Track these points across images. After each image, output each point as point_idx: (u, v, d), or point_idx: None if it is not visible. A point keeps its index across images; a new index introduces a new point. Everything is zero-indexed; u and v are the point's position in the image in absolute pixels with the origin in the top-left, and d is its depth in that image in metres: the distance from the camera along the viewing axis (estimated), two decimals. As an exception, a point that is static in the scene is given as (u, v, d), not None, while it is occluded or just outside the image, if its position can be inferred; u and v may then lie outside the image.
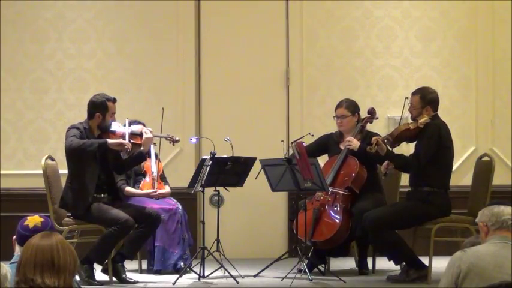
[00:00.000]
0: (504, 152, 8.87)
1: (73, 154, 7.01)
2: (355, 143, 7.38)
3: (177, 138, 7.45)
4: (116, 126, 7.16)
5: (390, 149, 7.10)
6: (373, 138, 7.02)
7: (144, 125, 7.80)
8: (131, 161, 7.31)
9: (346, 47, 8.97)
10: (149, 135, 7.17)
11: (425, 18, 8.97)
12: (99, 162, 7.06)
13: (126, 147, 7.01)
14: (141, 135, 7.17)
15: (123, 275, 7.08)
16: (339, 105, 7.60)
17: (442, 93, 8.74)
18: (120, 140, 7.04)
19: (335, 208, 7.33)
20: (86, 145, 6.93)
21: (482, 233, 4.06)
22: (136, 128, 7.25)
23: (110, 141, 6.99)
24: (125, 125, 7.20)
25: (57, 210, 7.23)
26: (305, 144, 7.18)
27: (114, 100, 7.15)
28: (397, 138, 7.04)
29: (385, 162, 7.07)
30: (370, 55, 8.97)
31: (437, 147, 7.01)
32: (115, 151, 7.18)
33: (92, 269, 7.00)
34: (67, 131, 7.10)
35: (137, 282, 7.09)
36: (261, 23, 8.97)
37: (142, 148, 7.18)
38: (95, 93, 8.74)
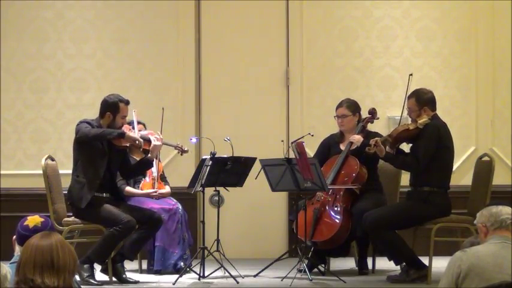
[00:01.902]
0: (504, 152, 8.87)
1: (87, 144, 6.97)
2: (358, 138, 7.39)
3: (186, 149, 7.44)
4: (125, 129, 7.15)
5: (390, 150, 7.08)
6: (372, 140, 7.02)
7: (144, 125, 7.83)
8: (138, 168, 7.32)
9: (346, 47, 8.97)
10: (157, 142, 7.14)
11: (425, 18, 8.97)
12: (107, 161, 7.07)
13: (138, 144, 7.03)
14: (149, 141, 7.16)
15: (123, 275, 7.08)
16: (339, 105, 7.61)
17: (442, 93, 8.78)
18: (137, 137, 7.04)
19: (335, 208, 7.33)
20: (106, 133, 6.94)
21: (482, 233, 4.07)
22: (146, 133, 7.25)
23: (128, 133, 6.99)
24: (133, 127, 7.21)
25: (57, 210, 7.23)
26: (306, 147, 7.18)
27: (127, 102, 7.12)
28: (395, 139, 7.04)
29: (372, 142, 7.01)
30: (370, 55, 8.97)
31: (437, 147, 7.01)
32: (126, 155, 7.24)
33: (92, 268, 6.99)
34: (78, 125, 7.08)
35: (137, 282, 7.09)
36: (261, 23, 8.97)
37: (149, 155, 7.19)
38: (95, 93, 8.81)
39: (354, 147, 7.43)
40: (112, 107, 7.07)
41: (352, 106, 7.58)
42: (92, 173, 7.00)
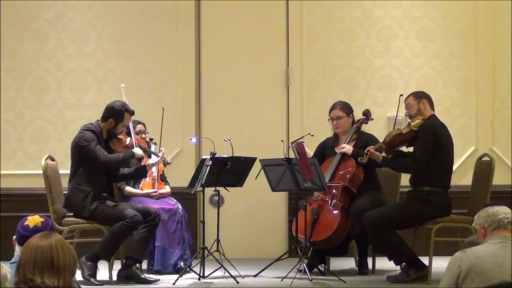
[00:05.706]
0: (504, 152, 8.87)
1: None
2: (348, 148, 7.41)
3: (169, 162, 7.51)
4: (122, 136, 7.21)
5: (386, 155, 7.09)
6: (366, 150, 7.03)
7: (144, 125, 7.83)
8: (133, 174, 7.35)
9: (346, 47, 8.97)
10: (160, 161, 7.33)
11: (425, 18, 8.97)
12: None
13: (143, 161, 7.24)
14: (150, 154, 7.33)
15: (142, 276, 7.03)
16: (333, 108, 7.63)
17: (442, 93, 8.79)
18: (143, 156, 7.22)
19: (333, 208, 7.34)
20: (125, 160, 7.10)
21: (480, 235, 4.07)
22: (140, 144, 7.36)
23: (136, 151, 7.12)
24: (129, 133, 7.24)
25: (57, 210, 7.22)
26: (306, 147, 7.18)
27: (132, 113, 7.15)
28: (390, 144, 7.03)
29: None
30: (370, 55, 8.97)
31: (434, 146, 7.01)
32: None
33: (96, 267, 6.98)
34: (82, 132, 7.06)
35: (158, 280, 7.05)
36: (261, 23, 8.97)
37: (148, 165, 7.31)
38: (94, 93, 8.82)
39: (344, 152, 7.45)
40: (117, 115, 7.08)
41: (346, 107, 7.60)
42: (96, 182, 7.04)
